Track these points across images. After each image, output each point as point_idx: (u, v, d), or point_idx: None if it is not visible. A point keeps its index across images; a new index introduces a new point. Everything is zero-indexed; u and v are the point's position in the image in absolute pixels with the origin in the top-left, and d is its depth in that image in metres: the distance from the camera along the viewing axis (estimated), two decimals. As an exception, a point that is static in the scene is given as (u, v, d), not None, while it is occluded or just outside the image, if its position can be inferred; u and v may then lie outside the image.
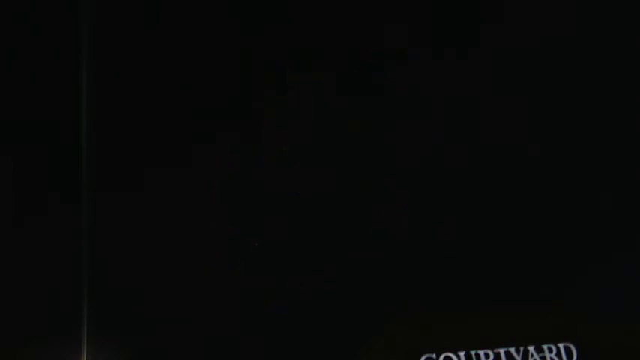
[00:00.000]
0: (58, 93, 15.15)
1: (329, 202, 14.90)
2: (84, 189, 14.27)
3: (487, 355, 13.34)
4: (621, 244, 14.19)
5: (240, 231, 14.93)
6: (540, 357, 13.26)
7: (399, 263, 14.55)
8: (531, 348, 13.29)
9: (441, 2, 15.58)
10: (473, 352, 13.39)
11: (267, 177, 15.18)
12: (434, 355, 13.56)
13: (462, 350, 13.46)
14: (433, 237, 14.62)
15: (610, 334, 13.28)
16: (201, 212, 15.18)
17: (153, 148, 15.37)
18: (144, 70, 15.55)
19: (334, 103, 15.57)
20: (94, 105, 14.68)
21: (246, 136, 15.66)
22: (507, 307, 13.76)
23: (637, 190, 14.46)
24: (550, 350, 13.29)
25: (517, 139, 15.10)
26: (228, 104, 15.61)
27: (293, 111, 15.51)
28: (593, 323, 13.43)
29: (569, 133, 14.95)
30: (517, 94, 15.10)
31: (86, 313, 13.59)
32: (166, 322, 14.37)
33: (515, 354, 13.34)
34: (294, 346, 14.08)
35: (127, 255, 14.68)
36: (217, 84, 15.59)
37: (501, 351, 13.35)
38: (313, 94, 15.42)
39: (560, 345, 13.31)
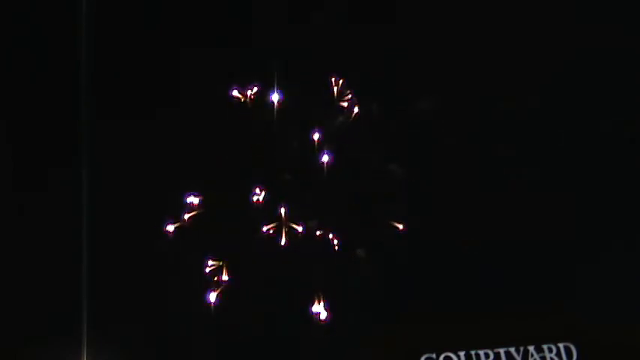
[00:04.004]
0: (58, 91, 15.05)
1: (328, 199, 14.81)
2: (84, 189, 14.19)
3: (487, 355, 13.29)
4: (621, 245, 14.13)
5: (239, 233, 14.82)
6: (540, 357, 13.22)
7: (399, 264, 14.46)
8: (531, 348, 13.24)
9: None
10: (473, 352, 13.33)
11: (268, 175, 15.08)
12: (434, 355, 13.49)
13: (462, 350, 13.40)
14: (434, 238, 14.53)
15: (610, 334, 13.23)
16: (200, 213, 15.06)
17: (152, 149, 15.25)
18: (143, 69, 15.45)
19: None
20: (93, 104, 14.60)
21: (246, 137, 15.53)
22: (507, 308, 13.71)
23: (636, 193, 14.39)
24: (550, 350, 13.25)
25: (517, 140, 15.02)
26: (228, 104, 15.50)
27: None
28: (593, 323, 13.37)
29: (570, 135, 14.88)
30: (518, 95, 15.02)
31: (86, 313, 13.52)
32: (166, 322, 14.26)
33: (515, 354, 13.29)
34: (294, 346, 14.00)
35: (126, 256, 14.57)
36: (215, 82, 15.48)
37: (501, 351, 13.30)
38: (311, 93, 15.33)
39: (560, 345, 13.26)
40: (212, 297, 14.21)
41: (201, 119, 15.19)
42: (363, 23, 15.20)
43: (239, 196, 14.90)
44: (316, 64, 15.20)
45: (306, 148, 15.09)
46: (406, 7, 15.12)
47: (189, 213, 14.97)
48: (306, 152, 15.03)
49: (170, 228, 14.87)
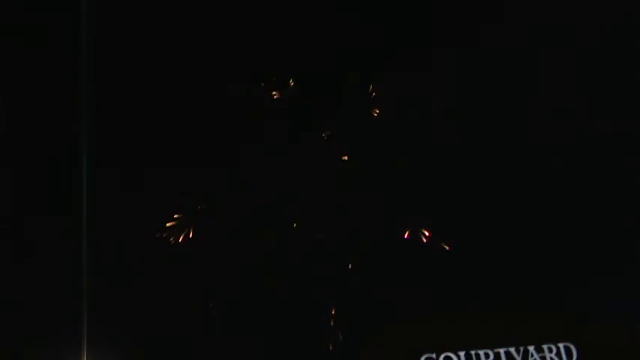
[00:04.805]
0: (58, 93, 15.08)
1: (327, 200, 14.84)
2: (84, 188, 14.21)
3: (487, 355, 13.28)
4: (621, 246, 14.12)
5: (239, 233, 14.84)
6: (540, 357, 13.21)
7: (399, 264, 14.47)
8: (531, 348, 13.22)
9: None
10: (473, 352, 13.32)
11: (268, 178, 15.10)
12: (434, 355, 13.48)
13: (461, 350, 13.39)
14: (433, 236, 14.52)
15: (610, 334, 13.21)
16: (200, 214, 15.08)
17: (153, 150, 15.28)
18: (144, 71, 15.48)
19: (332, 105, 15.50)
20: (93, 108, 14.63)
21: (247, 136, 15.55)
22: (507, 307, 13.70)
23: (637, 194, 14.39)
24: (550, 350, 13.23)
25: (517, 139, 15.03)
26: (229, 105, 15.53)
27: (293, 111, 15.45)
28: (593, 323, 13.36)
29: (571, 134, 14.88)
30: (515, 95, 15.03)
31: (86, 313, 13.54)
32: (165, 322, 14.28)
33: (515, 354, 13.28)
34: (294, 346, 14.02)
35: (126, 256, 14.60)
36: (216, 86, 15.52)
37: (501, 351, 13.29)
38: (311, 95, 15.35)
39: (560, 345, 13.24)
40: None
41: (207, 118, 15.22)
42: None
43: (245, 197, 14.93)
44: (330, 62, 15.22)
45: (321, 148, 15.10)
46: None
47: (193, 213, 15.00)
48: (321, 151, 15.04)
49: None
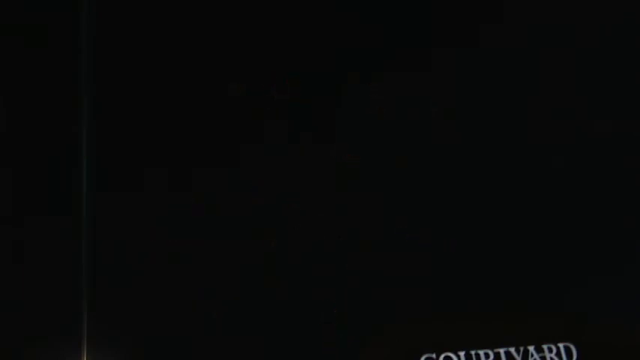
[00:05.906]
0: (58, 93, 15.16)
1: (328, 200, 14.91)
2: (84, 189, 14.26)
3: (487, 355, 13.32)
4: (621, 244, 14.16)
5: (241, 232, 14.92)
6: (540, 357, 13.24)
7: (399, 263, 14.53)
8: (531, 348, 13.26)
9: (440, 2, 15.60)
10: (473, 352, 13.36)
11: (268, 178, 15.19)
12: (434, 355, 13.54)
13: (461, 350, 13.44)
14: (433, 236, 14.60)
15: (610, 334, 13.26)
16: (202, 213, 15.17)
17: (154, 149, 15.36)
18: (145, 71, 15.55)
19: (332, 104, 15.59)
20: (93, 105, 14.69)
21: (247, 136, 15.64)
22: (507, 307, 13.74)
23: (637, 194, 14.45)
24: (550, 350, 13.27)
25: (517, 138, 15.11)
26: (229, 105, 15.61)
27: (295, 111, 15.55)
28: (593, 323, 13.40)
29: (570, 134, 14.95)
30: (515, 95, 15.10)
31: (86, 313, 13.58)
32: (166, 322, 14.35)
33: (515, 354, 13.32)
34: (293, 346, 14.08)
35: (126, 255, 14.67)
36: (218, 84, 15.60)
37: (501, 351, 13.33)
38: (312, 95, 15.44)
39: (560, 345, 13.28)
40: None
41: (208, 118, 15.24)
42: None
43: (245, 197, 14.95)
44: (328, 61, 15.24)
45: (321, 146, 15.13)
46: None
47: (193, 211, 15.01)
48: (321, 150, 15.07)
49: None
